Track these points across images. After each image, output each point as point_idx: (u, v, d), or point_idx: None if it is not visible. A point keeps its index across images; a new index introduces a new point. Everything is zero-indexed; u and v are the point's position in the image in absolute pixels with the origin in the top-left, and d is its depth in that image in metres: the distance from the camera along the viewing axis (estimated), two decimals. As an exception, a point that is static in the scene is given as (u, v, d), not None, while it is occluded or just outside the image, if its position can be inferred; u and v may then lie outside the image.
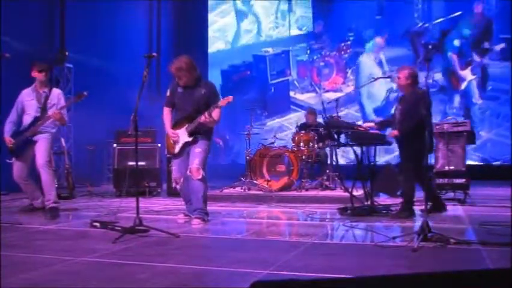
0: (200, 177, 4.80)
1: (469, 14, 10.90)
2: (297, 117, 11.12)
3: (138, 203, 4.18)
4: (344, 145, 5.69)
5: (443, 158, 6.63)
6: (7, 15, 8.15)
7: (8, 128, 5.63)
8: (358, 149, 5.57)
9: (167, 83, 5.31)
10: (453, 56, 10.82)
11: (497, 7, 10.76)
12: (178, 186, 5.03)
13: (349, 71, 11.89)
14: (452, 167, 6.53)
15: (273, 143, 7.93)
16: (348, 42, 11.87)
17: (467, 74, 10.86)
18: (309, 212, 5.72)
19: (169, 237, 4.01)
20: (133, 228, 4.11)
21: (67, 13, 9.44)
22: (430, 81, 10.26)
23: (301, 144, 7.50)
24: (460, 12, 10.97)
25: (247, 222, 5.27)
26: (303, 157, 7.46)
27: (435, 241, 3.63)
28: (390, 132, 5.18)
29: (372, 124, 5.61)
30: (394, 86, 11.01)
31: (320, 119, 8.18)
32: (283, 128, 12.05)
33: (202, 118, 4.77)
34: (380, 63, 11.46)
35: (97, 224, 4.58)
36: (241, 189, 7.51)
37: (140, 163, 7.26)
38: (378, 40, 11.59)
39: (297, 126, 8.32)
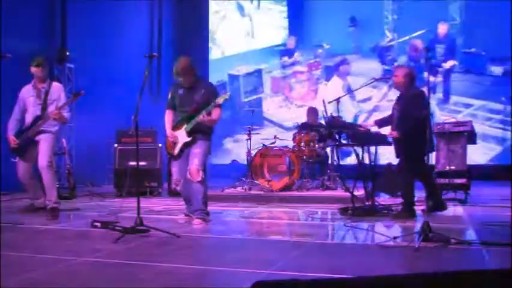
0: (199, 179, 4.80)
1: (433, 33, 11.12)
2: (268, 133, 11.09)
3: (139, 203, 4.18)
4: (345, 145, 5.69)
5: (443, 158, 6.62)
6: (7, 15, 8.15)
7: (12, 125, 5.63)
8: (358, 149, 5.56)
9: (168, 83, 5.34)
10: None
11: (461, 22, 10.94)
12: (178, 188, 5.04)
13: (320, 87, 12.14)
14: (452, 167, 6.52)
15: (273, 143, 7.93)
16: (318, 59, 12.14)
17: None
18: (310, 212, 5.71)
19: (170, 238, 4.01)
20: (134, 229, 4.11)
21: (68, 13, 9.44)
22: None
23: (302, 144, 7.50)
24: (424, 31, 11.13)
25: (248, 222, 5.28)
26: (304, 157, 7.46)
27: (436, 241, 3.62)
28: (390, 132, 5.17)
29: (372, 123, 5.60)
30: (363, 106, 11.23)
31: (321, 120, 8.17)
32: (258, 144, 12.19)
33: (200, 117, 4.77)
34: (348, 88, 11.68)
35: (98, 224, 4.57)
36: (242, 189, 7.51)
37: (141, 163, 7.25)
38: (346, 67, 11.85)
39: (297, 126, 8.31)
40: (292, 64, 12.47)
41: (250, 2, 12.98)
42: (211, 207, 5.38)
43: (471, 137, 6.70)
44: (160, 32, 12.43)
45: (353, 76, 11.68)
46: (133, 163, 7.44)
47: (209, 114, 4.78)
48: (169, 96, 5.12)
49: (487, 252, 3.40)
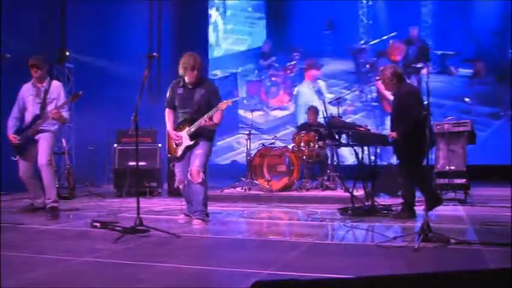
0: (200, 180, 4.79)
1: (405, 36, 11.32)
2: (243, 136, 11.14)
3: (138, 203, 4.18)
4: (345, 145, 5.68)
5: (443, 158, 6.62)
6: (7, 15, 8.15)
7: (12, 123, 5.63)
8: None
9: (168, 83, 5.30)
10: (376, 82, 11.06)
11: (433, 24, 11.13)
12: (181, 186, 5.03)
13: (295, 89, 12.32)
14: (452, 167, 6.52)
15: (273, 143, 7.93)
16: (293, 62, 12.30)
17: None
18: (309, 212, 5.71)
19: (170, 238, 4.01)
20: (134, 229, 4.11)
21: (67, 13, 9.44)
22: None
23: (302, 144, 7.49)
24: (395, 33, 11.33)
25: (248, 223, 5.27)
26: (304, 157, 7.46)
27: (436, 241, 3.63)
28: (390, 133, 5.16)
29: None
30: (333, 109, 11.46)
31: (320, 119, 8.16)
32: (233, 148, 12.24)
33: (202, 122, 4.75)
34: (318, 92, 11.81)
35: (98, 224, 4.58)
36: (242, 189, 7.51)
37: (140, 163, 7.25)
38: (315, 72, 12.02)
39: (297, 126, 8.30)
40: (268, 67, 12.63)
41: (222, 5, 13.11)
42: (211, 208, 5.37)
43: (471, 137, 6.70)
44: (160, 32, 12.43)
45: (328, 78, 11.88)
46: (132, 163, 7.43)
47: (211, 118, 4.77)
48: (168, 94, 5.08)
49: (486, 252, 3.40)
